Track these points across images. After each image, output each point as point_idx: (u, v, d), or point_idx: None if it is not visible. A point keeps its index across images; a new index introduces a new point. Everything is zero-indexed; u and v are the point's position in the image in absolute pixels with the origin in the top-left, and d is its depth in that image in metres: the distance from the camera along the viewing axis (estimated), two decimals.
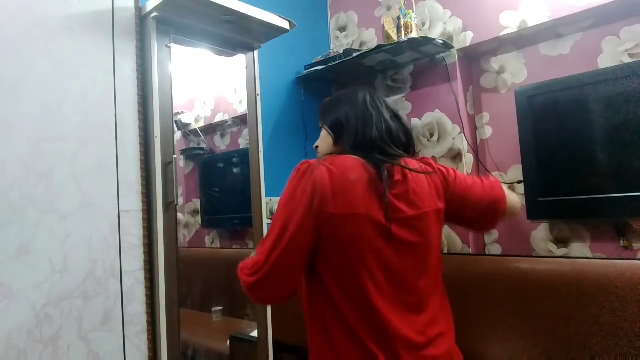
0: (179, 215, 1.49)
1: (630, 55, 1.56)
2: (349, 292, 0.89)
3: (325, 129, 1.05)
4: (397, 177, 0.94)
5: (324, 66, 2.02)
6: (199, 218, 1.99)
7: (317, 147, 1.09)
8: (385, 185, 0.90)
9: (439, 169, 1.04)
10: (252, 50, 1.55)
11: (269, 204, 1.84)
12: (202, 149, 1.97)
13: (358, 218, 0.87)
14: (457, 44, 1.86)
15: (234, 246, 2.00)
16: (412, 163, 1.00)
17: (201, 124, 1.96)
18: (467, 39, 1.84)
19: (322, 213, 0.86)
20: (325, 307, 0.91)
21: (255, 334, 1.49)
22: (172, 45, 1.31)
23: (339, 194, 0.87)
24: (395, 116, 1.04)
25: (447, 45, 1.83)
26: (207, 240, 2.01)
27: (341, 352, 0.88)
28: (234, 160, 1.92)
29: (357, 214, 0.87)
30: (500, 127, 1.88)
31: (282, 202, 0.91)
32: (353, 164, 0.92)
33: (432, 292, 0.97)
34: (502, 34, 1.75)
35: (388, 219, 0.89)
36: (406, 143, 1.02)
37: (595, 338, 1.30)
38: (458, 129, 1.86)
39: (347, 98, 1.04)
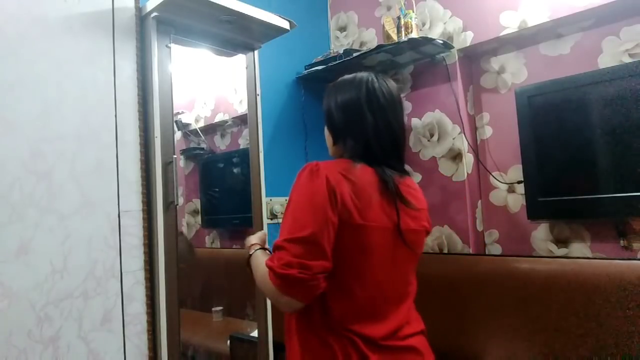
0: None
1: (630, 55, 1.56)
2: (347, 295, 0.89)
3: (326, 127, 1.04)
4: (404, 188, 0.96)
5: (324, 66, 2.02)
6: (199, 218, 1.99)
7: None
8: (397, 201, 0.91)
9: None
10: (252, 50, 1.55)
11: (269, 204, 1.84)
12: (202, 149, 1.97)
13: (373, 230, 0.88)
14: (457, 44, 1.86)
15: (234, 246, 2.00)
16: (412, 182, 1.03)
17: (201, 124, 1.95)
18: (467, 39, 1.84)
19: (343, 220, 0.85)
20: (316, 307, 0.89)
21: (255, 334, 1.49)
22: (172, 45, 1.31)
23: (358, 205, 0.86)
24: (388, 121, 0.96)
25: (447, 45, 1.83)
26: (207, 240, 2.01)
27: (335, 349, 0.87)
28: (234, 160, 1.92)
29: (372, 226, 0.87)
30: (500, 127, 1.88)
31: (302, 206, 0.85)
32: (370, 176, 0.90)
33: (411, 296, 1.00)
34: (502, 34, 1.75)
35: (400, 231, 0.91)
36: (398, 151, 0.99)
37: (595, 338, 1.30)
38: (458, 129, 1.86)
39: (345, 94, 0.98)
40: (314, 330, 0.89)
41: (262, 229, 1.49)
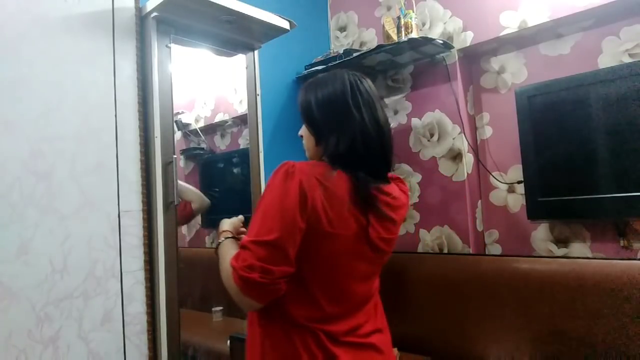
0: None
1: (630, 55, 1.56)
2: (311, 300, 0.88)
3: (306, 126, 0.99)
4: (382, 199, 0.92)
5: (324, 66, 2.02)
6: (199, 218, 1.99)
7: (301, 136, 1.02)
8: (368, 212, 0.89)
9: (406, 201, 1.03)
10: (252, 50, 1.55)
11: None
12: (202, 149, 1.97)
13: (341, 237, 0.86)
14: (457, 44, 1.86)
15: None
16: (395, 190, 0.98)
17: (201, 124, 1.95)
18: (467, 39, 1.84)
19: (312, 227, 0.83)
20: (278, 304, 0.89)
21: None
22: (172, 45, 1.31)
23: (329, 213, 0.84)
24: (375, 117, 0.92)
25: (447, 45, 1.83)
26: (207, 240, 2.01)
27: (296, 342, 0.87)
28: (234, 160, 1.92)
29: (341, 234, 0.86)
30: (500, 127, 1.88)
31: (271, 208, 0.83)
32: (345, 183, 0.87)
33: (374, 297, 1.00)
34: (502, 34, 1.75)
35: (369, 240, 0.90)
36: (384, 151, 0.94)
37: (595, 338, 1.30)
38: (458, 129, 1.86)
39: (326, 88, 0.94)
40: (276, 322, 0.89)
41: None
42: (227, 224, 1.06)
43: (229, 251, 0.92)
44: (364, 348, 0.92)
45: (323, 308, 0.88)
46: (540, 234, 1.75)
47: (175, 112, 1.32)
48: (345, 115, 0.91)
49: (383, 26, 1.91)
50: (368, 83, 0.96)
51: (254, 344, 0.93)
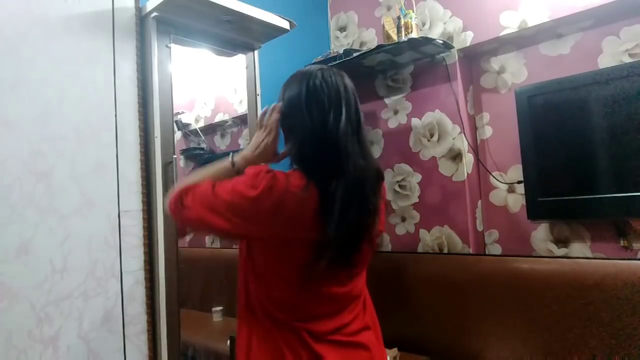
0: None
1: (630, 55, 1.56)
2: (290, 306, 0.88)
3: None
4: None
5: None
6: None
7: None
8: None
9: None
10: (252, 50, 1.56)
11: None
12: (202, 149, 1.97)
13: (312, 244, 0.85)
14: (457, 44, 1.86)
15: (233, 246, 2.00)
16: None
17: (201, 124, 1.95)
18: (467, 39, 1.84)
19: (280, 236, 0.84)
20: (260, 307, 0.90)
21: None
22: (172, 45, 1.31)
23: (301, 222, 0.83)
24: (327, 127, 0.85)
25: (447, 45, 1.83)
26: (207, 240, 2.01)
27: (280, 342, 0.87)
28: None
29: (312, 241, 0.84)
30: (500, 127, 1.88)
31: (240, 207, 0.82)
32: (315, 197, 0.84)
33: (360, 298, 0.98)
34: (502, 34, 1.75)
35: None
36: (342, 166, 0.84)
37: (595, 338, 1.30)
38: (458, 129, 1.86)
39: (291, 89, 0.91)
40: (261, 321, 0.89)
41: None
42: (255, 156, 0.96)
43: (210, 174, 0.94)
44: (351, 346, 0.91)
45: (307, 310, 0.88)
46: (540, 234, 1.75)
47: (175, 112, 1.32)
48: (299, 122, 0.88)
49: (383, 26, 1.91)
50: (334, 85, 0.88)
51: (240, 342, 0.93)
